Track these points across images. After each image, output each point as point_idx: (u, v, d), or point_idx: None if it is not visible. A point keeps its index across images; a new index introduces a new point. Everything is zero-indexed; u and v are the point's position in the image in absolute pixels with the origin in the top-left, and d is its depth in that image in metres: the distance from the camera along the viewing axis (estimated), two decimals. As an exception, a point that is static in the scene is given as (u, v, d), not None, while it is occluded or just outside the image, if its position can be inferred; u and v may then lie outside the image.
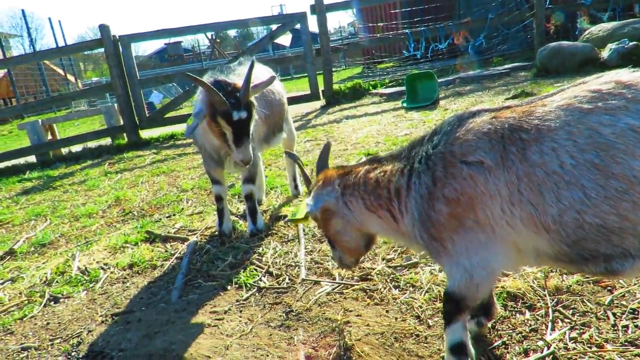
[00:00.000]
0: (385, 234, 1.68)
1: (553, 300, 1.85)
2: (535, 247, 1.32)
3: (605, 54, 7.03)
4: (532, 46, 8.79)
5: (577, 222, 1.21)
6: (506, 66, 8.92)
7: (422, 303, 1.97)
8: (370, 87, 8.99)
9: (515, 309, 1.85)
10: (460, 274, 1.41)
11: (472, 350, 1.55)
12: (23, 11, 22.30)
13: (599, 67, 6.88)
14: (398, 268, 2.28)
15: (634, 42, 6.78)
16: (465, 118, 1.43)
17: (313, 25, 8.15)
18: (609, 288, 1.88)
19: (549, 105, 1.28)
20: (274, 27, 8.67)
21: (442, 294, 2.00)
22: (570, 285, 1.91)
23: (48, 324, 2.24)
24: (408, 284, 2.13)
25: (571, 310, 1.79)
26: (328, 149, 1.88)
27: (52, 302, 2.48)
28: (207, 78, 2.65)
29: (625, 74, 1.24)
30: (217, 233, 3.07)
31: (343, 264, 1.81)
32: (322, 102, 8.47)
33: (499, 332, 1.74)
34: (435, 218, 1.40)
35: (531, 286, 1.95)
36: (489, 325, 1.76)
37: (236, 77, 2.69)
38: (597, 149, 1.17)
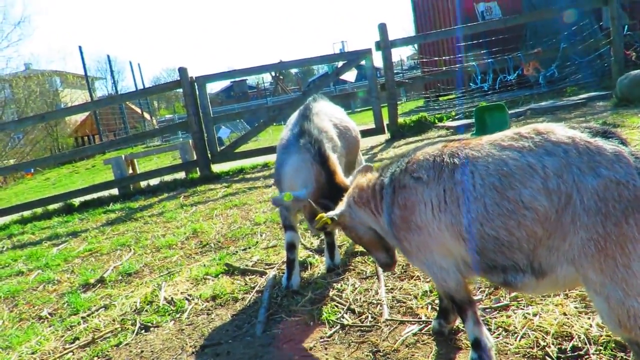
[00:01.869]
0: (378, 229, 1.99)
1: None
2: (459, 253, 1.63)
3: (696, 81, 6.54)
4: (610, 75, 8.35)
5: (479, 232, 1.51)
6: (582, 96, 8.51)
7: (518, 349, 1.86)
8: (436, 120, 8.89)
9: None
10: (428, 272, 1.80)
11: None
12: (108, 56, 24.53)
13: (690, 95, 6.40)
14: (487, 310, 2.18)
15: None
16: (424, 145, 1.82)
17: (376, 60, 8.29)
18: None
19: (483, 140, 1.60)
20: (339, 64, 8.91)
21: (538, 340, 1.88)
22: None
23: (142, 352, 2.34)
24: (500, 327, 2.03)
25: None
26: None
27: (143, 331, 2.60)
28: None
29: (543, 125, 1.51)
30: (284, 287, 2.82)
31: (381, 263, 2.12)
32: (387, 135, 8.49)
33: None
34: (394, 220, 1.78)
35: None
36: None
37: (319, 120, 2.78)
38: (501, 175, 1.46)
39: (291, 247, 2.85)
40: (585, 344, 1.80)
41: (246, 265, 3.34)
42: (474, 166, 1.53)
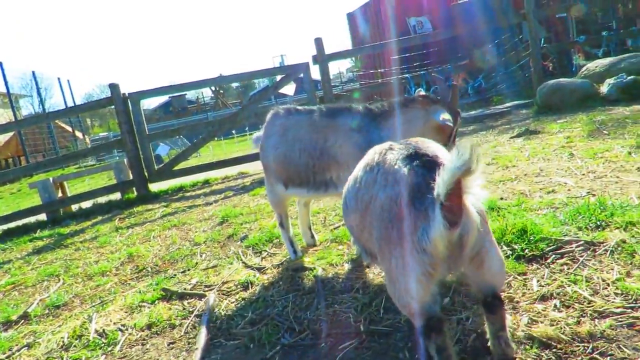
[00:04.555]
0: None
1: (588, 347, 1.80)
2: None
3: (604, 89, 7.16)
4: (531, 84, 8.97)
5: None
6: (507, 104, 9.07)
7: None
8: (375, 131, 9.11)
9: (550, 359, 1.79)
10: None
11: None
12: (33, 73, 23.04)
13: (600, 102, 7.00)
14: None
15: (632, 76, 6.91)
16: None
17: (315, 72, 8.40)
18: (644, 332, 1.82)
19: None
20: (278, 77, 8.93)
21: (469, 342, 1.94)
22: (604, 330, 1.86)
23: (68, 392, 2.18)
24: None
25: (608, 358, 1.73)
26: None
27: (71, 369, 2.43)
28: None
29: (385, 146, 1.82)
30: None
31: None
32: (327, 147, 8.58)
33: (536, 384, 1.68)
34: None
35: (563, 333, 1.90)
36: None
37: None
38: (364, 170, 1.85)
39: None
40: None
41: (184, 289, 3.22)
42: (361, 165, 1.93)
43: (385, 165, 1.69)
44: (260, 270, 3.33)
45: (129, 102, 7.73)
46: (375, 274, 2.80)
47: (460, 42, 12.33)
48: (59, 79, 25.59)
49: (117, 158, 17.58)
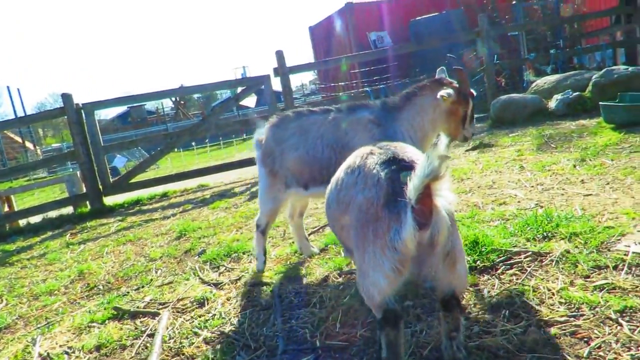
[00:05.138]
0: None
1: (534, 356, 1.86)
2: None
3: (552, 104, 7.53)
4: (486, 99, 9.31)
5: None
6: (463, 118, 9.35)
7: (407, 368, 1.93)
8: (336, 143, 9.18)
9: (499, 368, 1.84)
10: None
11: None
12: (-20, 81, 21.89)
13: (548, 116, 7.34)
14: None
15: (577, 93, 7.30)
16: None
17: (277, 84, 8.40)
18: (585, 339, 1.90)
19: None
20: (239, 89, 8.88)
21: (423, 353, 1.97)
22: (549, 339, 1.93)
23: (6, 422, 2.05)
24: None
25: (553, 366, 1.79)
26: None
27: (11, 396, 2.28)
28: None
29: (368, 149, 1.92)
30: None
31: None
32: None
33: (486, 394, 1.72)
34: None
35: (510, 343, 1.95)
36: None
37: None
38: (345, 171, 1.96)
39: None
40: (465, 356, 1.92)
41: (137, 307, 3.11)
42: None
43: (365, 169, 1.79)
44: (218, 285, 3.27)
45: (82, 112, 7.47)
46: (332, 289, 2.81)
47: (419, 57, 12.69)
48: (8, 87, 24.48)
49: (71, 170, 16.89)
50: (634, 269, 2.29)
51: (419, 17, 14.13)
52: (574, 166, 4.32)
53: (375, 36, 14.75)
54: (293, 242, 3.83)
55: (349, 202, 1.80)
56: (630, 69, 7.00)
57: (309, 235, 3.85)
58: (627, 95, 5.87)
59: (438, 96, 2.88)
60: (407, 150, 1.83)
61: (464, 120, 3.03)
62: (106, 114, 39.98)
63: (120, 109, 38.14)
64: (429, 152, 1.36)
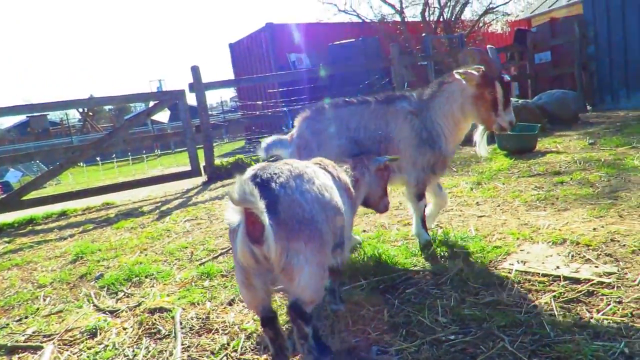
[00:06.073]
0: None
1: (427, 373, 1.93)
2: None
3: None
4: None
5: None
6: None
7: (306, 393, 1.91)
8: (253, 162, 9.11)
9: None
10: None
11: None
12: None
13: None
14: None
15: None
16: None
17: (193, 100, 8.17)
18: (471, 355, 2.02)
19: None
20: (151, 103, 8.51)
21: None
22: (440, 357, 2.02)
23: None
24: None
25: (443, 382, 1.87)
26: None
27: None
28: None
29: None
30: None
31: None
32: (203, 178, 8.33)
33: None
34: None
35: (407, 361, 2.01)
36: None
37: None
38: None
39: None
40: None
41: (16, 341, 2.78)
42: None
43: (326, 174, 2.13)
44: (114, 313, 3.03)
45: (-33, 121, 6.70)
46: (236, 313, 2.72)
47: (337, 80, 13.09)
48: None
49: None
50: (516, 285, 2.49)
51: (337, 42, 14.63)
52: (471, 189, 4.66)
53: (295, 57, 15.01)
54: (200, 264, 3.69)
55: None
56: (520, 101, 7.77)
57: (200, 264, 3.71)
58: (518, 126, 6.49)
59: (456, 75, 2.90)
60: (272, 170, 1.80)
61: (494, 106, 2.88)
62: (1, 123, 36.29)
63: (19, 118, 34.80)
64: (238, 177, 1.52)
